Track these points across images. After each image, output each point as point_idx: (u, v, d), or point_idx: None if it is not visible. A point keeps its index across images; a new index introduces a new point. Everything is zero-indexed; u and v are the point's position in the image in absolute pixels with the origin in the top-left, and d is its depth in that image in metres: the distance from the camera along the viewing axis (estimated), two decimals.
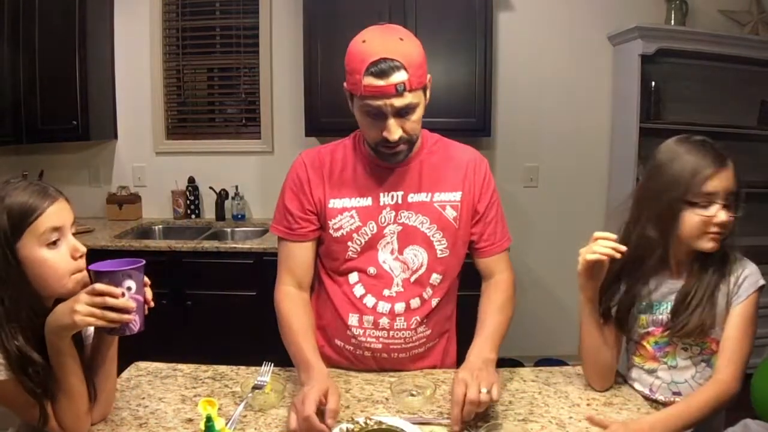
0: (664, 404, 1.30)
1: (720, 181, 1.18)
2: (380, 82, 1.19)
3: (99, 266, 1.04)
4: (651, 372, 1.33)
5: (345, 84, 1.29)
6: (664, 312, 1.29)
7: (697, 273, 1.26)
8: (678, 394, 1.30)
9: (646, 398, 1.32)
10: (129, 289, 1.02)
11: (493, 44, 3.05)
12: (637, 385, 1.35)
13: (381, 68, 1.19)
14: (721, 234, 1.21)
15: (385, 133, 1.25)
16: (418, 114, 1.27)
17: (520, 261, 3.38)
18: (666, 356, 1.30)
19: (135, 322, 1.03)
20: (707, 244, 1.21)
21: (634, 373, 1.36)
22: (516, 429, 1.13)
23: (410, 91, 1.21)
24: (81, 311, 0.98)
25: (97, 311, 0.99)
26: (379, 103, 1.22)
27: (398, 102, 1.22)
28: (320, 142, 1.60)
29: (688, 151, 1.22)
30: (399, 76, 1.19)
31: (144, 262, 1.06)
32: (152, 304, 1.08)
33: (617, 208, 1.35)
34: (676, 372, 1.30)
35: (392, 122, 1.24)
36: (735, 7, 3.21)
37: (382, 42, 1.21)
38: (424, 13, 2.86)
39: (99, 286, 1.00)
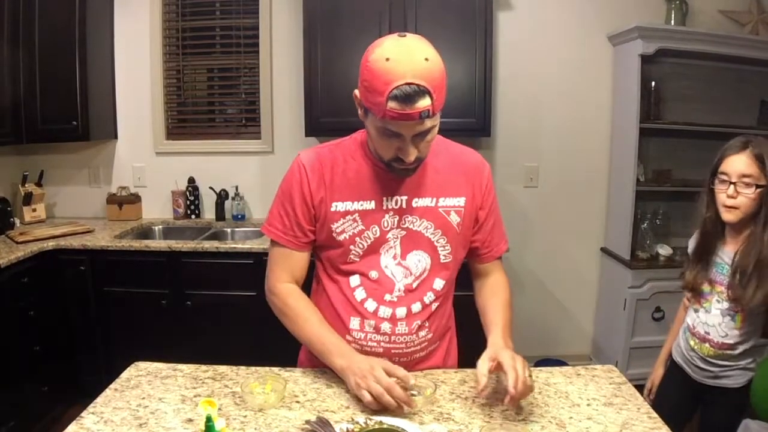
0: (701, 338, 1.71)
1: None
2: (405, 108, 1.14)
3: None
4: (695, 311, 1.75)
5: (357, 93, 1.23)
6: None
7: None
8: (707, 334, 1.69)
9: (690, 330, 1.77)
10: None
11: (493, 44, 3.05)
12: (687, 319, 1.80)
13: (406, 93, 1.12)
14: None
15: (400, 155, 1.22)
16: (433, 134, 1.24)
17: (520, 261, 3.39)
18: (706, 302, 1.71)
19: None
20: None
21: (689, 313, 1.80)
22: (516, 429, 1.13)
23: (432, 116, 1.18)
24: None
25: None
26: (401, 129, 1.18)
27: (419, 127, 1.18)
28: (320, 142, 1.59)
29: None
30: (424, 102, 1.14)
31: None
32: None
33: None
34: (708, 316, 1.70)
35: (410, 146, 1.21)
36: (735, 7, 3.21)
37: (409, 63, 1.14)
38: (423, 12, 2.86)
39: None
